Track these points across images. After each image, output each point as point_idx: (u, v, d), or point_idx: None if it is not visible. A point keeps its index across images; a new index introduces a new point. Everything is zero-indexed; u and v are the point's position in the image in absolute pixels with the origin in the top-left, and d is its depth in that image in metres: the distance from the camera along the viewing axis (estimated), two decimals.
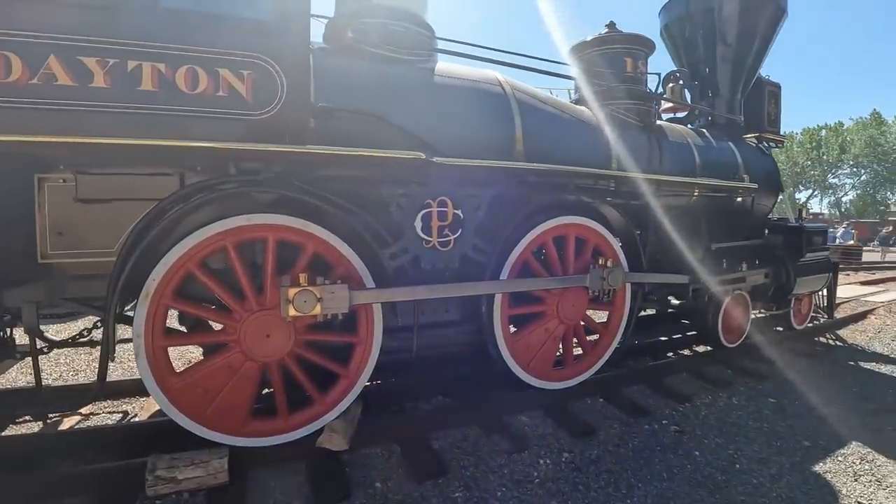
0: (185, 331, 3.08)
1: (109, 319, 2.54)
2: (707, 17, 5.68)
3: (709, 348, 5.40)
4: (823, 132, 50.47)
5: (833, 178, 50.99)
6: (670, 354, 5.31)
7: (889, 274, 13.94)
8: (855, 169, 49.07)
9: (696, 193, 4.68)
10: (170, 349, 2.77)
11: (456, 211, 3.05)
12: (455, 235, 3.08)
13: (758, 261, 5.07)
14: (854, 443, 3.38)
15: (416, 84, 3.20)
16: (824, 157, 49.33)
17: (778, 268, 5.01)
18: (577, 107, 4.17)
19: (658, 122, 4.78)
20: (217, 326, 2.92)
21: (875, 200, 48.71)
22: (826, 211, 52.65)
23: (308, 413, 2.91)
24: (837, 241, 19.65)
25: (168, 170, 2.64)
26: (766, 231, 5.23)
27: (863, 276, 13.47)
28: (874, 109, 48.69)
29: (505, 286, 3.21)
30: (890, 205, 48.78)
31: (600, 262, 3.60)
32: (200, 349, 3.50)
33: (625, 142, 4.07)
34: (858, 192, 50.46)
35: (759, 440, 3.38)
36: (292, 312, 2.52)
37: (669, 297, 5.16)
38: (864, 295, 9.39)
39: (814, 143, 49.42)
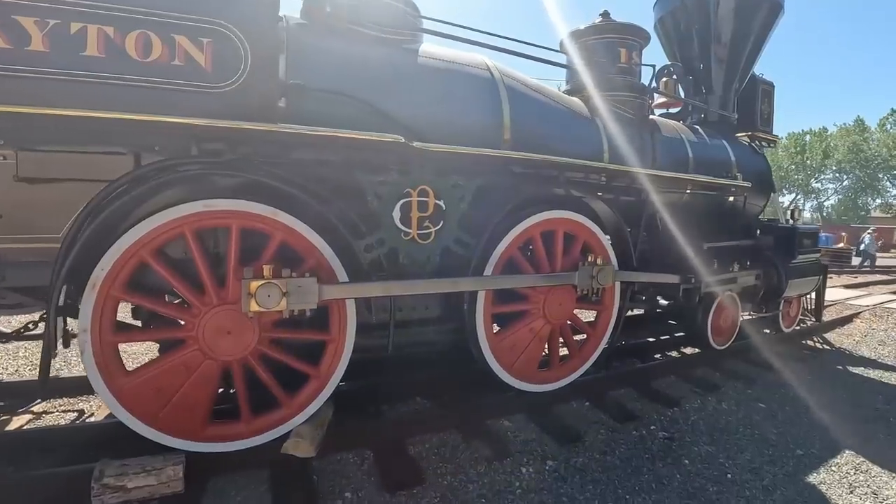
0: (140, 326, 2.83)
1: (52, 311, 2.29)
2: (702, 11, 5.54)
3: (697, 350, 5.30)
4: (808, 137, 51.20)
5: (816, 182, 51.80)
6: (658, 356, 5.19)
7: (872, 278, 14.09)
8: (837, 174, 49.91)
9: (688, 190, 4.53)
10: (124, 346, 2.53)
11: (438, 201, 2.85)
12: (436, 227, 2.88)
13: (749, 262, 4.95)
14: (847, 451, 3.26)
15: (398, 65, 2.98)
16: (808, 161, 50.06)
17: (769, 269, 4.90)
18: (569, 97, 3.99)
19: (651, 116, 4.62)
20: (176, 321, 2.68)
21: (856, 205, 49.58)
22: (808, 215, 53.43)
23: (273, 416, 2.69)
24: (862, 248, 19.54)
25: (121, 148, 2.39)
26: (758, 231, 5.11)
27: (846, 278, 13.58)
28: (858, 116, 49.53)
29: (488, 283, 3.02)
30: (871, 210, 49.69)
31: (589, 259, 3.42)
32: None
33: (617, 135, 3.90)
34: (840, 196, 51.33)
35: (750, 448, 3.24)
36: (254, 308, 2.29)
37: (658, 297, 5.01)
38: (850, 298, 9.40)
39: (798, 148, 50.11)
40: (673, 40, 5.90)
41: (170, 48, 2.09)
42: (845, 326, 7.22)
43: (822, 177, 50.99)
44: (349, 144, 2.43)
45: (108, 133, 2.24)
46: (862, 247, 19.53)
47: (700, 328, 4.77)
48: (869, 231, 21.48)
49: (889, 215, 47.66)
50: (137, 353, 4.38)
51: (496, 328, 3.46)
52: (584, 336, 3.89)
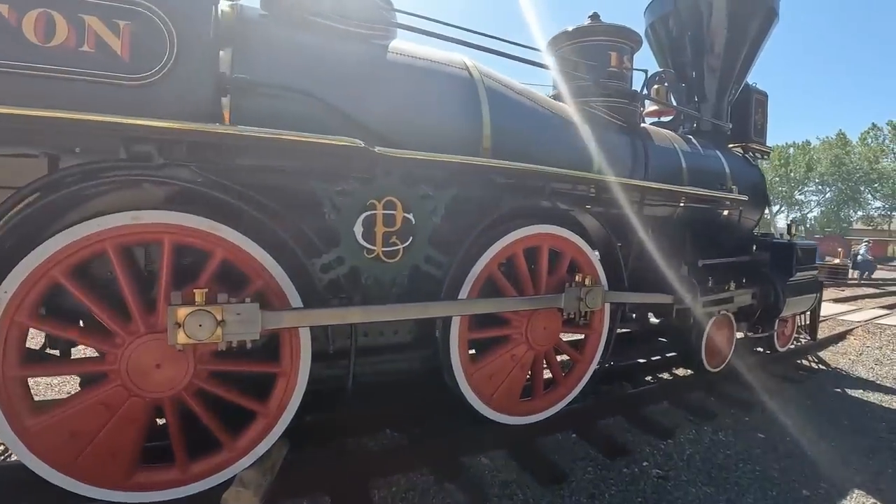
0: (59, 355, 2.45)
1: None
2: (695, 17, 5.33)
3: (689, 372, 5.03)
4: (791, 150, 51.87)
5: (800, 194, 52.41)
6: (648, 378, 4.90)
7: (860, 291, 14.02)
8: (820, 187, 50.53)
9: (682, 203, 4.27)
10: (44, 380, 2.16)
11: (406, 215, 2.52)
12: (404, 244, 2.55)
13: (745, 279, 4.68)
14: (857, 491, 2.97)
15: (365, 63, 2.67)
16: (791, 174, 50.65)
17: (766, 287, 4.64)
18: (556, 102, 3.70)
19: (641, 124, 4.36)
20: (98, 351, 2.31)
21: (838, 218, 50.20)
22: (782, 224, 53.97)
23: (214, 460, 2.33)
24: (859, 259, 19.57)
25: (32, 149, 2.04)
26: (754, 247, 4.86)
27: (833, 292, 13.47)
28: (840, 130, 50.33)
29: (463, 308, 2.68)
30: (853, 222, 50.38)
31: (577, 278, 3.11)
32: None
33: (608, 143, 3.62)
34: (823, 209, 51.94)
35: (753, 488, 2.94)
36: (182, 340, 1.94)
37: (649, 315, 4.73)
38: (840, 313, 9.23)
39: (782, 160, 50.71)
40: (664, 46, 5.69)
41: (77, 31, 1.75)
42: (839, 344, 7.00)
43: (806, 189, 51.61)
44: (296, 149, 2.09)
45: (15, 131, 1.89)
46: (859, 258, 19.64)
47: (694, 350, 4.48)
48: (865, 241, 21.79)
49: (870, 227, 48.41)
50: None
51: (473, 354, 3.13)
52: (571, 360, 3.57)
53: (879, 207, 48.79)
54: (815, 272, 5.08)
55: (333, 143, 2.11)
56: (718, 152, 4.96)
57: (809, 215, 54.00)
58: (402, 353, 2.86)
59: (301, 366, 2.39)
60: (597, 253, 3.49)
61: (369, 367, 2.77)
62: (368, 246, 2.45)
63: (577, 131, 3.53)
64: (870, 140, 48.26)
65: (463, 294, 2.74)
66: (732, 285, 4.33)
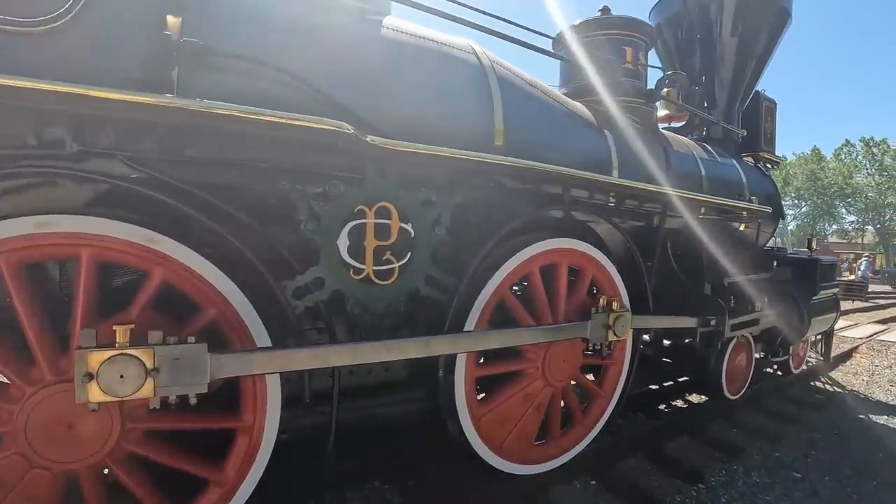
0: None
1: None
2: (705, 18, 5.01)
3: (701, 398, 4.62)
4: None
5: None
6: (662, 407, 4.46)
7: (850, 305, 13.91)
8: (797, 201, 51.54)
9: (702, 214, 3.86)
10: None
11: (404, 225, 2.02)
12: (401, 262, 2.04)
13: (767, 298, 4.29)
14: None
15: (355, 40, 2.17)
16: None
17: (790, 307, 4.24)
18: (568, 99, 3.26)
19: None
20: None
21: (815, 231, 51.25)
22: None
23: None
24: (860, 273, 19.64)
25: None
26: (775, 263, 4.48)
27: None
28: (815, 146, 51.59)
29: (475, 342, 2.16)
30: (828, 235, 51.47)
31: (600, 301, 2.63)
32: None
33: (629, 147, 3.19)
34: (799, 222, 52.93)
35: None
36: (96, 397, 1.40)
37: (664, 339, 4.30)
38: (838, 329, 8.97)
39: None
40: (672, 49, 5.35)
41: None
42: (847, 363, 6.71)
43: (783, 203, 52.75)
44: (259, 130, 1.57)
45: None
46: (860, 273, 19.78)
47: (713, 376, 4.05)
48: (866, 256, 22.12)
49: (844, 241, 49.50)
50: None
51: (480, 394, 2.63)
52: (590, 395, 3.09)
53: (853, 221, 49.96)
54: (836, 290, 4.73)
55: (312, 126, 1.60)
56: (734, 161, 4.59)
57: (787, 229, 55.07)
58: (396, 394, 2.34)
59: (268, 419, 1.86)
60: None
61: (356, 411, 2.24)
62: (356, 264, 1.93)
63: (595, 132, 3.10)
64: (843, 156, 49.48)
65: (471, 323, 2.23)
66: (757, 305, 3.91)
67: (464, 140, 2.27)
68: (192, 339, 1.48)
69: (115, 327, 1.41)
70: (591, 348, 2.58)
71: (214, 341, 1.68)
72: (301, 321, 1.87)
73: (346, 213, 1.89)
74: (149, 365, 1.43)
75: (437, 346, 1.98)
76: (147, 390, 1.43)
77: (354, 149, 1.73)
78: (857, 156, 48.77)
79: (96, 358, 1.38)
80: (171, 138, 1.64)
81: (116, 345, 1.40)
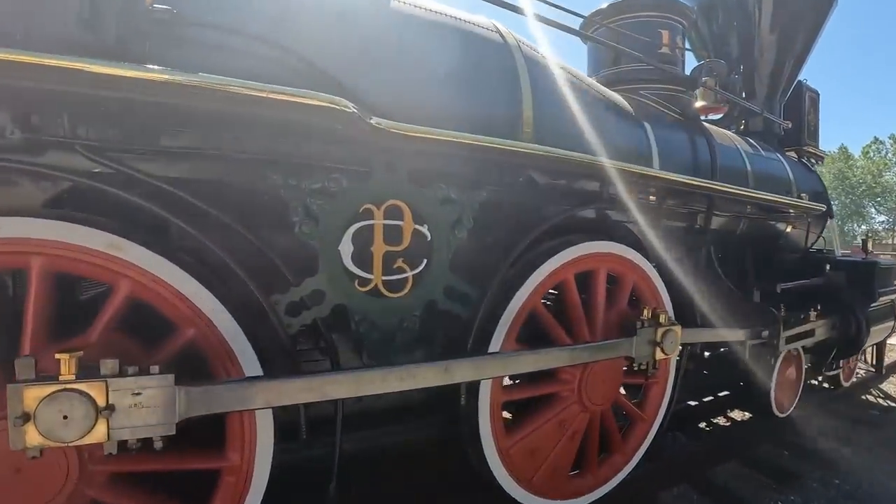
0: None
1: None
2: (743, 2, 4.62)
3: (745, 415, 4.22)
4: None
5: None
6: (703, 425, 4.07)
7: None
8: None
9: (748, 213, 3.48)
10: None
11: (418, 227, 1.71)
12: (415, 271, 1.73)
13: (820, 306, 3.88)
14: None
15: (364, 11, 1.87)
16: None
17: (846, 315, 3.82)
18: (600, 86, 2.93)
19: None
20: None
21: (843, 232, 49.64)
22: None
23: None
24: None
25: None
26: (828, 267, 4.06)
27: None
28: (842, 144, 50.04)
29: (504, 365, 1.81)
30: (857, 236, 49.84)
31: (645, 314, 2.28)
32: None
33: (670, 140, 2.86)
34: None
35: None
36: (34, 440, 1.12)
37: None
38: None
39: None
40: (705, 37, 4.97)
41: None
42: None
43: None
44: (232, 106, 1.28)
45: None
46: None
47: (762, 393, 3.66)
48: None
49: (875, 242, 47.87)
50: None
51: (507, 419, 2.30)
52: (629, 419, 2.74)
53: (883, 221, 48.28)
54: (894, 296, 4.28)
55: (307, 102, 1.29)
56: (779, 155, 4.20)
57: (835, 229, 53.61)
58: (408, 422, 2.03)
59: (258, 457, 1.56)
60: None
61: (362, 441, 1.94)
62: (361, 274, 1.63)
63: (634, 123, 2.76)
64: (872, 154, 47.90)
65: (497, 341, 1.91)
66: (812, 315, 3.51)
67: (486, 128, 1.95)
68: (155, 368, 1.19)
69: (57, 356, 1.13)
70: (635, 367, 2.23)
71: (194, 368, 1.40)
72: (297, 342, 1.58)
73: (350, 214, 1.59)
74: (100, 402, 1.14)
75: (459, 372, 1.65)
76: (99, 434, 1.15)
77: (357, 133, 1.42)
78: (886, 153, 47.16)
79: (32, 394, 1.10)
80: (141, 123, 1.36)
81: (59, 377, 1.12)
